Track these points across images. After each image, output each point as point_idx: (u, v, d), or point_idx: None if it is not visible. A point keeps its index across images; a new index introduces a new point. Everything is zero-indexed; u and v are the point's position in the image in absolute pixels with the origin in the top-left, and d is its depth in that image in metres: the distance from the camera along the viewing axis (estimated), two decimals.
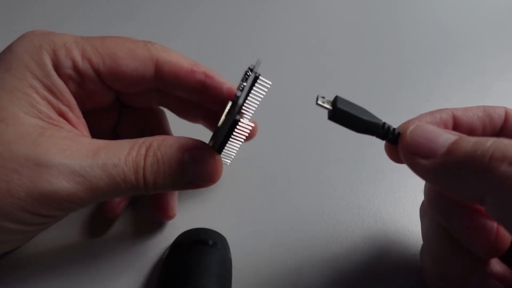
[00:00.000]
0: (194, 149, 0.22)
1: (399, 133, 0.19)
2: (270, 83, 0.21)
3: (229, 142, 0.22)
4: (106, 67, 0.22)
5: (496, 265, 0.19)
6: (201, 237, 0.24)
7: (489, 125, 0.21)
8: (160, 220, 0.27)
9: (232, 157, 0.24)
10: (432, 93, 0.37)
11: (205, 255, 0.23)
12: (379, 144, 0.21)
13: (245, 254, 0.26)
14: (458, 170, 0.16)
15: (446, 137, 0.17)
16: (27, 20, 0.44)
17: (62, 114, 0.22)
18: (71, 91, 0.22)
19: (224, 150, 0.23)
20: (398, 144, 0.19)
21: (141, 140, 0.22)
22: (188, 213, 0.28)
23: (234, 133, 0.21)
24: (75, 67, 0.21)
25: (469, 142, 0.16)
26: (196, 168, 0.22)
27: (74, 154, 0.20)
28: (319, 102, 0.19)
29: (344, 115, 0.18)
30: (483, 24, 0.45)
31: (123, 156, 0.21)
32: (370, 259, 0.26)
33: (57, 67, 0.21)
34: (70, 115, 0.22)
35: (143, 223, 0.27)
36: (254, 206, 0.29)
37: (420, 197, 0.22)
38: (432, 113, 0.21)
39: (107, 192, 0.20)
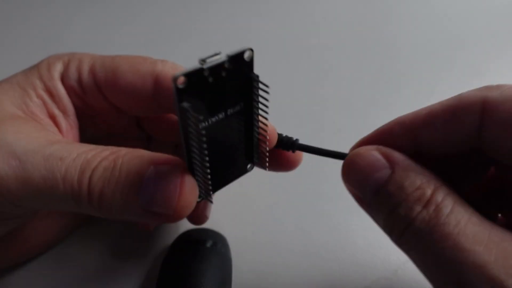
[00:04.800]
0: (164, 163, 0.17)
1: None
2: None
3: (193, 150, 0.16)
4: (106, 80, 0.21)
5: None
6: (201, 237, 0.24)
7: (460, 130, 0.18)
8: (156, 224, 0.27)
9: (209, 178, 0.17)
10: (432, 93, 0.37)
11: (205, 255, 0.23)
12: None
13: (245, 254, 0.26)
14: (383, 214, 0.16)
15: (377, 177, 0.16)
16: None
17: (53, 117, 0.21)
18: (73, 102, 0.22)
19: (197, 170, 0.17)
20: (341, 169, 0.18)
21: (115, 147, 0.18)
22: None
23: (190, 132, 0.15)
24: (79, 80, 0.21)
25: (392, 188, 0.16)
26: (157, 185, 0.16)
27: (27, 138, 0.17)
28: None
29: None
30: (483, 24, 0.45)
31: (76, 152, 0.17)
32: (371, 261, 0.26)
33: (64, 77, 0.21)
34: (61, 120, 0.21)
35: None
36: (254, 206, 0.28)
37: None
38: (383, 127, 0.19)
39: (40, 189, 0.16)
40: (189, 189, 0.17)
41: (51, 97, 0.21)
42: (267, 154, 0.20)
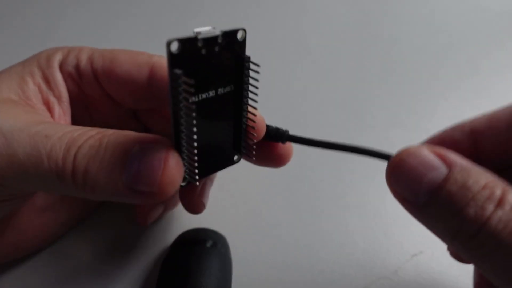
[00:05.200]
0: (150, 142, 0.17)
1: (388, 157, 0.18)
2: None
3: (181, 122, 0.16)
4: (103, 68, 0.22)
5: None
6: (201, 237, 0.24)
7: None
8: (160, 220, 0.27)
9: (195, 156, 0.17)
10: (431, 93, 0.37)
11: (205, 255, 0.23)
12: None
13: (245, 254, 0.26)
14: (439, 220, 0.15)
15: (432, 177, 0.15)
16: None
17: (47, 103, 0.21)
18: (70, 90, 0.22)
19: (185, 145, 0.17)
20: (386, 171, 0.17)
21: (102, 128, 0.18)
22: (188, 213, 0.28)
23: (181, 104, 0.15)
24: (77, 66, 0.22)
25: (453, 188, 0.14)
26: (141, 162, 0.16)
27: (15, 118, 0.17)
28: None
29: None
30: (481, 23, 0.45)
31: (63, 130, 0.17)
32: (371, 261, 0.26)
33: (62, 64, 0.22)
34: (55, 106, 0.21)
35: None
36: (254, 206, 0.28)
37: None
38: (442, 133, 0.19)
39: (24, 166, 0.16)
40: (173, 165, 0.16)
41: (47, 84, 0.21)
42: (255, 144, 0.20)
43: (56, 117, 0.21)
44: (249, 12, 0.47)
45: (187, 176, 0.18)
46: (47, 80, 0.21)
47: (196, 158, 0.17)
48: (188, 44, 0.15)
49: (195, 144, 0.16)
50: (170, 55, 0.15)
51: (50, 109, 0.21)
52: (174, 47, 0.14)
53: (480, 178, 0.14)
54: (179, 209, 0.28)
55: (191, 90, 0.15)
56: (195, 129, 0.16)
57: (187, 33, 0.15)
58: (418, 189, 0.15)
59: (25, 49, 0.25)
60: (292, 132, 0.21)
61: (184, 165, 0.17)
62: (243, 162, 0.21)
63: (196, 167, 0.17)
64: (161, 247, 0.26)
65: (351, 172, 0.30)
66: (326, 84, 0.38)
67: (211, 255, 0.23)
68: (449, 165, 0.15)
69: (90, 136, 0.17)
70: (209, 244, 0.24)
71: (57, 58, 0.22)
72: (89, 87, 0.22)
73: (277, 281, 0.25)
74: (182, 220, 0.27)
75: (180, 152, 0.17)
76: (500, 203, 0.14)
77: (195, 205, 0.23)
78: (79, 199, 0.26)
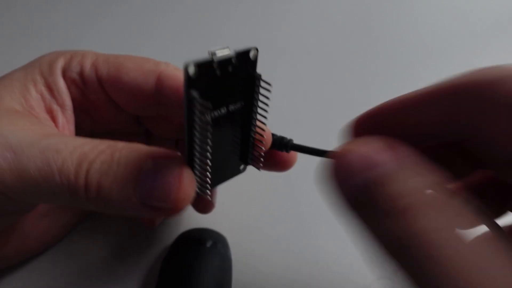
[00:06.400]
0: (162, 157, 0.17)
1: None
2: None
3: (195, 141, 0.16)
4: (108, 75, 0.21)
5: None
6: (201, 237, 0.24)
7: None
8: (160, 220, 0.27)
9: (208, 172, 0.17)
10: None
11: (205, 255, 0.23)
12: None
13: (245, 254, 0.26)
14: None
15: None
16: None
17: (51, 112, 0.21)
18: (73, 96, 0.22)
19: (197, 163, 0.17)
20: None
21: (112, 141, 0.18)
22: (188, 213, 0.28)
23: (196, 124, 0.15)
24: (81, 72, 0.21)
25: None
26: (155, 178, 0.16)
27: (22, 130, 0.17)
28: None
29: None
30: (483, 24, 0.45)
31: (73, 145, 0.17)
32: (371, 261, 0.26)
33: (65, 70, 0.21)
34: (59, 115, 0.21)
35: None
36: (255, 206, 0.28)
37: None
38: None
39: (35, 182, 0.16)
40: (187, 182, 0.16)
41: (50, 92, 0.21)
42: (262, 156, 0.20)
43: (60, 126, 0.21)
44: (248, 14, 0.47)
45: (197, 190, 0.18)
46: (50, 88, 0.21)
47: (208, 174, 0.17)
48: (205, 66, 0.15)
49: (209, 161, 0.17)
50: (188, 77, 0.15)
51: (53, 118, 0.21)
52: (191, 70, 0.15)
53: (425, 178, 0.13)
54: None
55: (209, 107, 0.15)
56: (209, 148, 0.16)
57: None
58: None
59: (39, 52, 0.24)
60: (297, 137, 0.21)
61: (195, 179, 0.17)
62: None
63: (208, 182, 0.18)
64: (161, 247, 0.26)
65: None
66: (330, 88, 0.38)
67: (211, 255, 0.23)
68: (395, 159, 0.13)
69: (101, 151, 0.17)
70: (209, 244, 0.24)
71: (60, 64, 0.21)
72: (93, 93, 0.22)
73: (277, 281, 0.25)
74: (183, 220, 0.27)
75: (192, 167, 0.17)
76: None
77: (205, 206, 0.24)
78: None
